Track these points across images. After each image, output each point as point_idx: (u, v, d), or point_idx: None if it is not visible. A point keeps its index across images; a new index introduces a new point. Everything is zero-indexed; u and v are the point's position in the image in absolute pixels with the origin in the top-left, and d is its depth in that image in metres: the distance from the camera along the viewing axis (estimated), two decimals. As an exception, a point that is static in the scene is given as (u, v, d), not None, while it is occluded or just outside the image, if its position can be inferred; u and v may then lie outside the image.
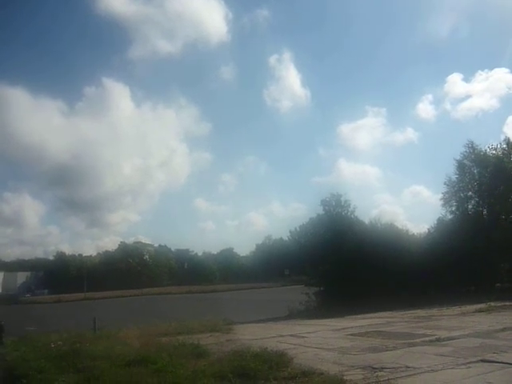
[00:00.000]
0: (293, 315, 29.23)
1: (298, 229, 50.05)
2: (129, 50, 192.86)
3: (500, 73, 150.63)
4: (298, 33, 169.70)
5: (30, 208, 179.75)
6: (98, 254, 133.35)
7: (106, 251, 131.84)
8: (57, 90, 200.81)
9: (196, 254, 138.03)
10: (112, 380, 9.76)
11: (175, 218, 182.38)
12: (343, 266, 31.67)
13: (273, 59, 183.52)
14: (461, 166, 36.78)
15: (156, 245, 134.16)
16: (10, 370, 13.21)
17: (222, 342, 15.48)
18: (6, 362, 14.74)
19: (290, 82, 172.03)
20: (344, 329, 18.07)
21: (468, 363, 9.78)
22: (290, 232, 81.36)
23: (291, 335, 17.09)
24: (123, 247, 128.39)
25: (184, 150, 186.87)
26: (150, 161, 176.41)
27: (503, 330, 14.30)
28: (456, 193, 36.81)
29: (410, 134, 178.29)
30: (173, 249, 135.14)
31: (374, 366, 10.06)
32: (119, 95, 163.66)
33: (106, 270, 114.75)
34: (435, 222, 37.87)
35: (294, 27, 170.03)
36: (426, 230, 38.39)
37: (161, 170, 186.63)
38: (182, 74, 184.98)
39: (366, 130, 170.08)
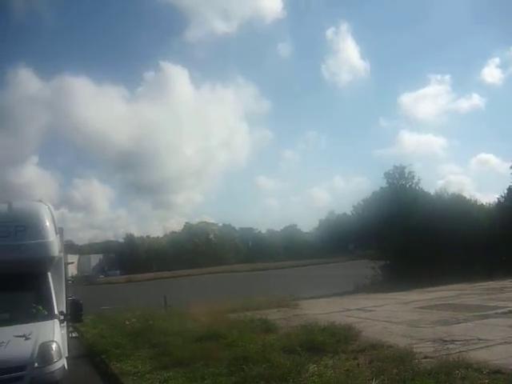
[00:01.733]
0: (359, 289, 29.04)
1: (361, 203, 49.18)
2: (185, 32, 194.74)
3: None
4: (354, 4, 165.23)
5: (99, 193, 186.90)
6: (165, 235, 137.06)
7: (173, 232, 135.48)
8: (118, 77, 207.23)
9: (260, 231, 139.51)
10: (185, 354, 10.16)
11: (238, 196, 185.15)
12: (409, 240, 30.99)
13: (330, 32, 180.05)
14: (532, 131, 34.90)
15: (220, 224, 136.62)
16: (90, 346, 14.02)
17: (290, 317, 15.67)
18: (86, 339, 15.63)
19: (348, 54, 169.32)
20: (412, 302, 17.85)
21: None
22: (353, 207, 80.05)
23: (358, 309, 17.06)
24: (188, 228, 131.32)
25: (244, 129, 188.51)
26: (211, 141, 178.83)
27: None
28: (527, 159, 35.05)
29: (476, 100, 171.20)
30: (237, 227, 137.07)
31: (445, 339, 9.94)
32: (178, 78, 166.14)
33: (173, 250, 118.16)
34: (505, 191, 36.28)
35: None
36: (496, 200, 36.88)
37: (222, 149, 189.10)
38: (239, 54, 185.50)
39: (428, 98, 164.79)
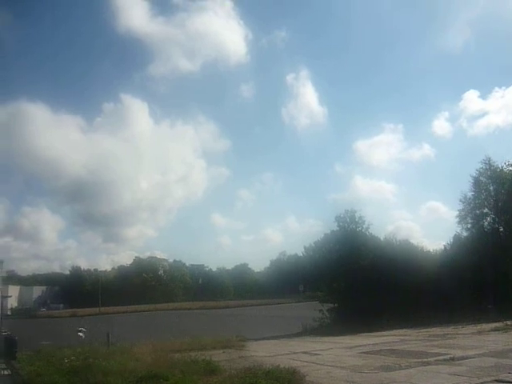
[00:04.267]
0: (307, 332, 29.04)
1: (312, 245, 49.86)
2: (149, 68, 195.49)
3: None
4: (314, 53, 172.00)
5: (48, 223, 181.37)
6: (113, 268, 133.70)
7: (121, 266, 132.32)
8: (76, 106, 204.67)
9: (210, 269, 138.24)
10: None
11: (191, 233, 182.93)
12: (357, 283, 31.44)
13: (290, 78, 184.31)
14: (477, 183, 36.44)
15: (171, 260, 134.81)
16: (24, 384, 13.34)
17: (235, 359, 15.44)
18: (19, 376, 14.85)
19: (307, 99, 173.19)
20: (357, 346, 17.92)
21: (482, 383, 9.67)
22: (305, 248, 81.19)
23: (304, 352, 17.00)
24: (138, 262, 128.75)
25: (202, 166, 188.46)
26: (167, 176, 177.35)
27: (519, 349, 14.09)
28: (472, 210, 36.42)
29: (427, 150, 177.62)
30: (188, 264, 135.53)
31: (387, 385, 9.99)
32: (138, 111, 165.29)
33: (121, 284, 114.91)
34: (451, 239, 37.51)
35: (310, 48, 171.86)
36: (442, 247, 38.04)
37: (178, 185, 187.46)
38: (202, 92, 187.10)
39: (382, 146, 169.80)
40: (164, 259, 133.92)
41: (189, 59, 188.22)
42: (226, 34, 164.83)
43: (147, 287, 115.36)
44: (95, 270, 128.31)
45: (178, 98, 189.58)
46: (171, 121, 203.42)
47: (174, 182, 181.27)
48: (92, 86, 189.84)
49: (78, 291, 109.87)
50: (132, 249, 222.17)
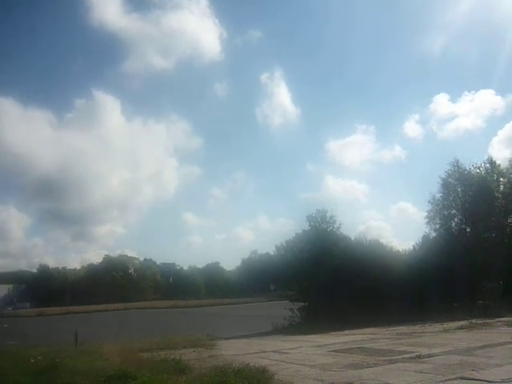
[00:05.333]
0: (277, 331, 29.17)
1: (284, 244, 50.17)
2: (122, 64, 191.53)
3: (486, 94, 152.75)
4: (289, 53, 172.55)
5: (15, 220, 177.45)
6: (83, 267, 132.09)
7: (91, 264, 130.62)
8: (47, 101, 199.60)
9: (182, 268, 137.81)
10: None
11: (163, 231, 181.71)
12: (327, 282, 31.76)
13: (264, 77, 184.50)
14: (445, 185, 37.25)
15: (141, 258, 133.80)
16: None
17: (205, 358, 15.39)
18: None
19: (281, 99, 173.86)
20: (327, 345, 18.08)
21: (447, 380, 9.86)
22: (276, 247, 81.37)
23: (274, 351, 17.06)
24: (108, 260, 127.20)
25: (173, 165, 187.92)
26: (138, 174, 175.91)
27: (483, 347, 14.42)
28: (440, 211, 37.22)
29: (398, 151, 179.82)
30: (158, 262, 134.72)
31: (355, 383, 10.12)
32: (110, 108, 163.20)
33: (90, 283, 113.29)
34: (420, 239, 38.26)
35: (285, 48, 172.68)
36: (411, 247, 38.76)
37: (150, 183, 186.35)
38: (175, 90, 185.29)
39: (354, 146, 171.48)
40: (134, 257, 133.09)
41: (163, 57, 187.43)
42: (201, 32, 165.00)
43: (117, 286, 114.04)
44: (64, 268, 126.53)
45: (151, 96, 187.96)
46: (143, 118, 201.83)
47: (146, 181, 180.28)
48: (63, 81, 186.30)
49: (45, 290, 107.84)
50: (102, 247, 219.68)
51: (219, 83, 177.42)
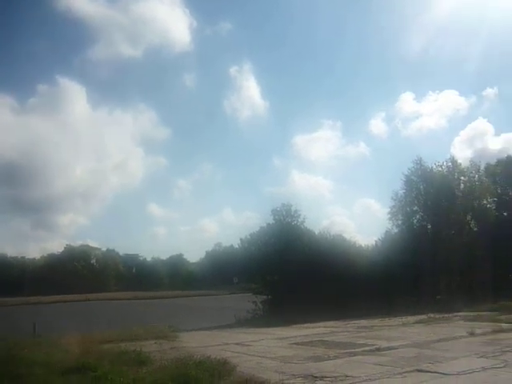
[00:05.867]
0: (240, 323, 29.24)
1: (248, 237, 50.30)
2: (88, 51, 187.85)
3: (449, 94, 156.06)
4: (258, 46, 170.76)
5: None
6: (42, 257, 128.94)
7: (51, 254, 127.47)
8: (8, 86, 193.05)
9: (145, 259, 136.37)
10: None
11: (126, 222, 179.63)
12: (291, 276, 32.03)
13: (234, 70, 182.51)
14: (408, 182, 38.02)
15: (104, 249, 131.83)
16: None
17: (166, 350, 15.32)
18: None
19: (250, 92, 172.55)
20: (288, 338, 18.25)
21: (404, 372, 10.12)
22: (241, 240, 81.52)
23: (236, 343, 17.13)
24: (69, 250, 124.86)
25: (139, 155, 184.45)
26: (103, 163, 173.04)
27: (439, 340, 14.84)
28: (402, 207, 38.00)
29: (363, 148, 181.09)
30: (121, 253, 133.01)
31: (315, 375, 10.26)
32: (74, 95, 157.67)
33: (51, 273, 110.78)
34: (382, 234, 38.94)
35: (254, 41, 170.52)
36: (374, 243, 39.41)
37: (114, 173, 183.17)
38: (143, 79, 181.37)
39: (320, 142, 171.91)
40: (97, 248, 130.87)
41: (131, 45, 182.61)
42: (171, 21, 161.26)
43: (78, 276, 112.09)
44: (22, 257, 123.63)
45: (117, 84, 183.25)
46: (110, 107, 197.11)
47: (110, 170, 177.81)
48: (26, 66, 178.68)
49: (3, 279, 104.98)
50: (63, 237, 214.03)
51: (188, 74, 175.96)
